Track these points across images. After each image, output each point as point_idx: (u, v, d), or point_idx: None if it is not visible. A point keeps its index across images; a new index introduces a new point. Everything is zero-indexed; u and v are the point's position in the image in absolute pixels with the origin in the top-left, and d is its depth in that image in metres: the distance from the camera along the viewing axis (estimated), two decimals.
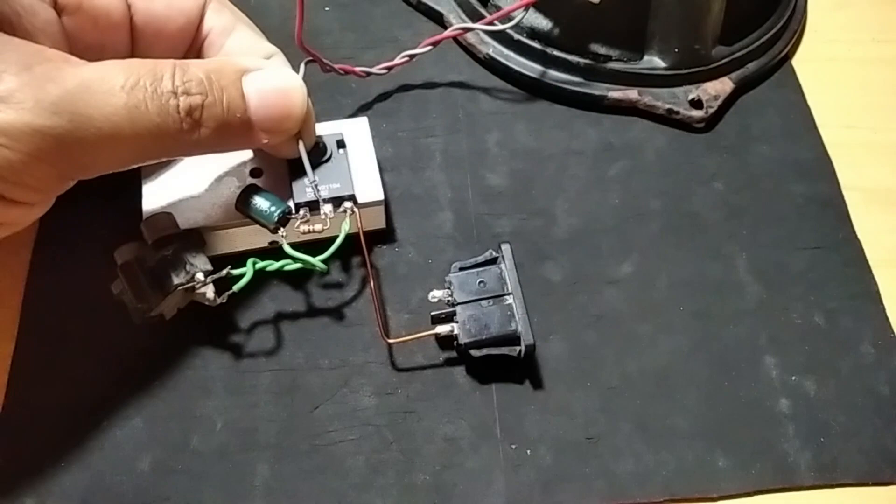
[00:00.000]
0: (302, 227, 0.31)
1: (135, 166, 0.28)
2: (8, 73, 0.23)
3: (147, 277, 0.29)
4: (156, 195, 0.32)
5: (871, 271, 0.35)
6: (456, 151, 0.38)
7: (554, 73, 0.40)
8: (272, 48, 0.33)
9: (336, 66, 0.36)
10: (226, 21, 0.32)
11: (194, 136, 0.27)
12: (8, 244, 0.27)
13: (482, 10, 0.41)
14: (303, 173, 0.31)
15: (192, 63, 0.27)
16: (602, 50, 0.40)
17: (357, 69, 0.37)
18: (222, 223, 0.32)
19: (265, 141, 0.29)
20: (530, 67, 0.40)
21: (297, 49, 0.33)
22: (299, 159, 0.32)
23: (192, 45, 0.32)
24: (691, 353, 0.33)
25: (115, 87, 0.25)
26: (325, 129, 0.34)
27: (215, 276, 0.30)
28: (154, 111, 0.25)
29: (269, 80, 0.29)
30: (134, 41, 0.31)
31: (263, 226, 0.31)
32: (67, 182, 0.26)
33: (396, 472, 0.30)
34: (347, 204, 0.32)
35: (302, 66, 0.33)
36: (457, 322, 0.31)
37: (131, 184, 0.32)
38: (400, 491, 0.30)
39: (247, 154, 0.34)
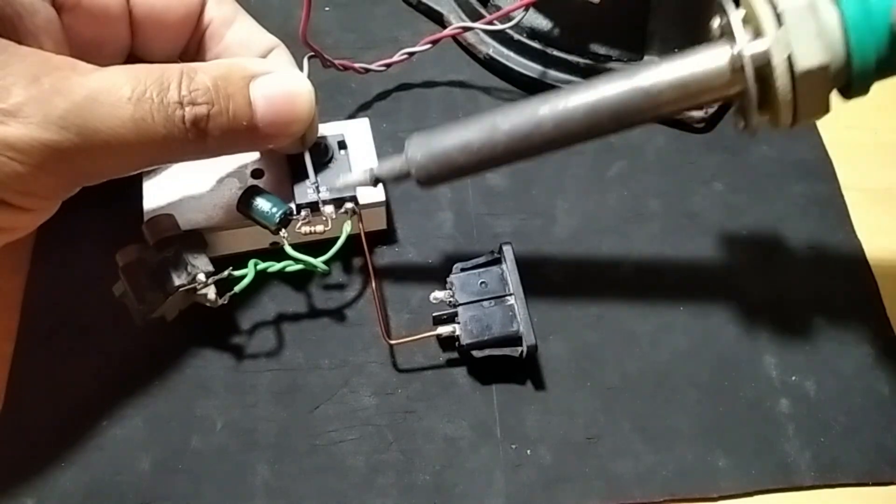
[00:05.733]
0: (303, 229, 0.31)
1: (139, 171, 0.28)
2: (17, 85, 0.23)
3: (148, 279, 0.29)
4: (157, 197, 0.32)
5: (871, 271, 0.35)
6: None
7: (554, 74, 0.40)
8: (274, 39, 0.32)
9: (336, 62, 0.36)
10: (227, 12, 0.32)
11: (199, 145, 0.27)
12: (8, 245, 0.27)
13: (482, 10, 0.41)
14: (304, 175, 0.32)
15: (200, 69, 0.27)
16: (602, 50, 0.40)
17: (356, 65, 0.37)
18: (224, 224, 0.32)
19: (270, 145, 0.29)
20: (530, 67, 0.40)
21: (297, 46, 0.33)
22: (301, 160, 0.32)
23: (192, 36, 0.31)
24: (691, 353, 0.33)
25: (122, 98, 0.25)
26: (326, 130, 0.34)
27: (217, 277, 0.30)
28: (160, 123, 0.25)
29: (276, 85, 0.28)
30: (134, 34, 0.30)
31: (265, 227, 0.31)
32: (73, 189, 0.26)
33: (396, 472, 0.30)
34: (349, 205, 0.32)
35: (305, 62, 0.33)
36: (458, 323, 0.31)
37: (133, 186, 0.32)
38: (400, 491, 0.30)
39: (249, 155, 0.33)
